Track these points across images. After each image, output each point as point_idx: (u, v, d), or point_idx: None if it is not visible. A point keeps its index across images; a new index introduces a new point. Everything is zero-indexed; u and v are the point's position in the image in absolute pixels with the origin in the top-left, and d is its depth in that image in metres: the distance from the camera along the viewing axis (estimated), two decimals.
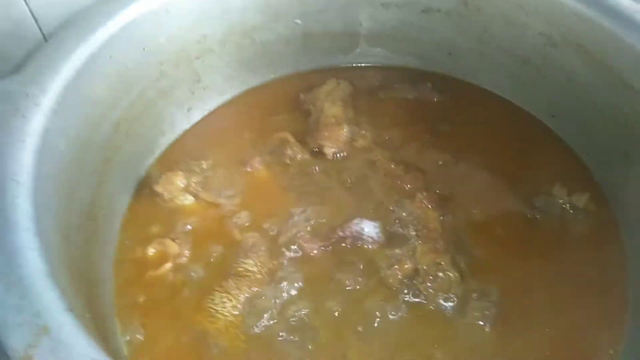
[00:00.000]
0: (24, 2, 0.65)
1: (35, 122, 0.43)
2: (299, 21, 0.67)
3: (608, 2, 0.55)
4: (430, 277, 0.52)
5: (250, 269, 0.54)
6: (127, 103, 0.56)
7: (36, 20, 0.68)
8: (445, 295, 0.52)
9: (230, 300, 0.52)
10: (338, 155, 0.64)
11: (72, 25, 0.50)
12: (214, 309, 0.52)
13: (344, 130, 0.65)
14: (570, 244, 0.57)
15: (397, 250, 0.55)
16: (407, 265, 0.53)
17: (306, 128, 0.67)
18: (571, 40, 0.59)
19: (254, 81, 0.71)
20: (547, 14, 0.59)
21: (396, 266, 0.54)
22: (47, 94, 0.45)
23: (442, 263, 0.53)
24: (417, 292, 0.52)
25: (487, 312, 0.51)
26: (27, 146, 0.41)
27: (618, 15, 0.55)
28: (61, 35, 0.49)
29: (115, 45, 0.52)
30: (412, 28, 0.68)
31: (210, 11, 0.61)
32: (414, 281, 0.53)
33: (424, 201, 0.58)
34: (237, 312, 0.51)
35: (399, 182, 0.61)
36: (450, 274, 0.53)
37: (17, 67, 0.48)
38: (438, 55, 0.70)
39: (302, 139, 0.66)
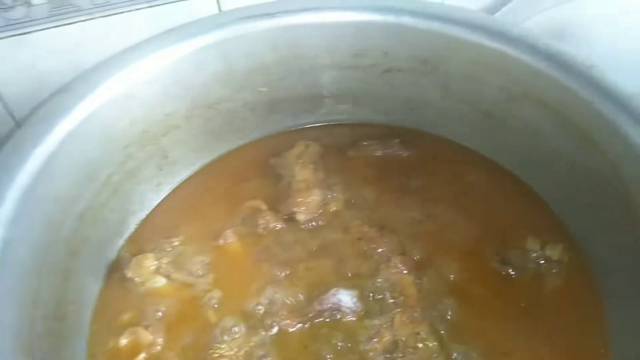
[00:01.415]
0: None
1: None
2: (264, 89, 0.67)
3: (563, 57, 0.56)
4: (410, 350, 0.52)
5: (225, 354, 0.53)
6: (91, 193, 0.56)
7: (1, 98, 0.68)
8: None
9: None
10: (311, 221, 0.64)
11: (27, 126, 0.50)
12: None
13: (316, 195, 0.65)
14: (546, 299, 0.57)
15: (376, 321, 0.54)
16: (386, 338, 0.53)
17: (278, 194, 0.67)
18: (531, 95, 0.59)
19: (222, 149, 0.71)
20: (505, 70, 0.60)
21: (375, 339, 0.53)
22: (4, 203, 0.44)
23: (421, 333, 0.53)
24: None
25: None
26: None
27: (573, 70, 0.56)
28: (16, 138, 0.49)
29: (75, 139, 0.52)
30: (375, 87, 0.69)
31: (172, 90, 0.61)
32: (394, 354, 0.52)
33: (399, 265, 0.58)
34: None
35: (373, 245, 0.61)
36: (430, 344, 0.52)
37: None
38: (403, 111, 0.71)
39: (274, 206, 0.65)
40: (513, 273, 0.58)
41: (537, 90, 0.59)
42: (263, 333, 0.55)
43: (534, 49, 0.57)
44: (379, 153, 0.70)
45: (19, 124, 0.71)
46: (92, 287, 0.58)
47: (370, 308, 0.56)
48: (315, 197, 0.65)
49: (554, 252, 0.59)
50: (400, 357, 0.52)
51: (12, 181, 0.45)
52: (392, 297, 0.56)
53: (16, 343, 0.40)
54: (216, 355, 0.53)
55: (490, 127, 0.65)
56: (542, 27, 0.65)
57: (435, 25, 0.61)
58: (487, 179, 0.66)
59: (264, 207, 0.65)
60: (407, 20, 0.62)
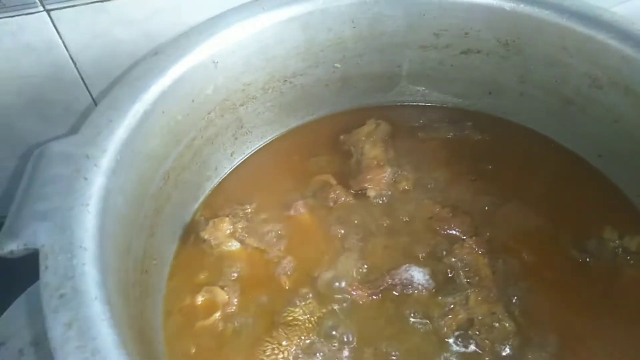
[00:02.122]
0: (64, 47, 0.68)
1: (97, 183, 0.44)
2: (338, 65, 0.68)
3: None
4: (486, 328, 0.52)
5: (299, 317, 0.54)
6: (177, 154, 0.57)
7: (75, 64, 0.70)
8: (502, 347, 0.51)
9: (282, 352, 0.52)
10: (382, 198, 0.64)
11: (125, 84, 0.51)
12: None
13: (386, 172, 0.65)
14: (623, 288, 0.56)
15: (450, 299, 0.54)
16: (461, 315, 0.53)
17: (347, 170, 0.67)
18: (618, 82, 0.58)
19: (293, 123, 0.72)
20: (591, 56, 0.59)
21: (450, 315, 0.53)
22: (106, 154, 0.46)
23: (497, 312, 0.52)
24: (472, 343, 0.52)
25: None
26: (90, 210, 0.42)
27: None
28: (115, 94, 0.50)
29: (167, 100, 0.53)
30: (452, 68, 0.68)
31: (254, 60, 0.62)
32: (469, 332, 0.52)
33: (474, 246, 0.58)
34: None
35: (446, 225, 0.61)
36: (506, 324, 0.52)
37: (73, 128, 0.49)
38: (478, 94, 0.70)
39: (343, 181, 0.66)
40: (590, 261, 0.57)
41: (624, 77, 0.57)
42: (334, 303, 0.55)
43: (624, 34, 0.56)
44: (450, 135, 0.70)
45: (89, 89, 0.74)
46: (170, 247, 0.59)
47: (443, 286, 0.56)
48: (386, 174, 0.65)
49: (632, 243, 0.57)
50: (477, 334, 0.51)
51: (114, 133, 0.47)
52: (466, 277, 0.56)
53: (118, 287, 0.42)
54: (290, 318, 0.54)
55: (569, 114, 0.64)
56: (634, 12, 0.63)
57: (522, 7, 0.60)
58: (563, 167, 0.65)
59: (333, 181, 0.65)
60: (492, 0, 0.61)
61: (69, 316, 0.35)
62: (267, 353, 0.52)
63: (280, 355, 0.52)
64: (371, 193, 0.64)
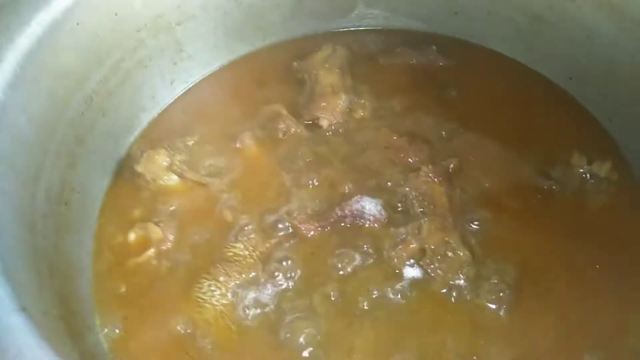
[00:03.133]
0: None
1: None
2: None
3: None
4: (439, 257, 0.48)
5: (240, 253, 0.50)
6: (100, 76, 0.51)
7: None
8: (456, 276, 0.47)
9: (219, 288, 0.48)
10: (335, 127, 0.59)
11: None
12: (202, 298, 0.47)
13: (342, 99, 0.60)
14: (590, 217, 0.52)
15: (402, 229, 0.50)
16: (413, 245, 0.49)
17: (300, 99, 0.62)
18: None
19: (241, 50, 0.65)
20: None
21: (401, 246, 0.49)
22: (2, 65, 0.40)
23: (451, 242, 0.49)
24: (424, 273, 0.48)
25: (501, 295, 0.47)
26: None
27: None
28: (17, 1, 0.44)
29: (82, 10, 0.47)
30: None
31: None
32: (421, 262, 0.48)
33: (430, 175, 0.53)
34: (226, 301, 0.47)
35: (402, 155, 0.56)
36: (461, 253, 0.48)
37: None
38: (443, 16, 0.64)
39: (295, 111, 0.60)
40: (555, 188, 0.53)
41: None
42: (281, 236, 0.51)
43: None
44: (413, 61, 0.64)
45: None
46: (100, 181, 0.54)
47: (396, 217, 0.52)
48: (340, 101, 0.60)
49: (602, 169, 0.53)
50: (428, 263, 0.48)
51: (12, 42, 0.41)
52: (421, 207, 0.52)
53: (16, 213, 0.37)
54: (230, 254, 0.50)
55: (540, 33, 0.59)
56: None
57: None
58: (531, 91, 0.61)
59: (284, 111, 0.60)
60: None
61: None
62: (204, 290, 0.48)
63: (217, 292, 0.48)
64: (324, 123, 0.59)
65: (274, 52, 0.66)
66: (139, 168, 0.54)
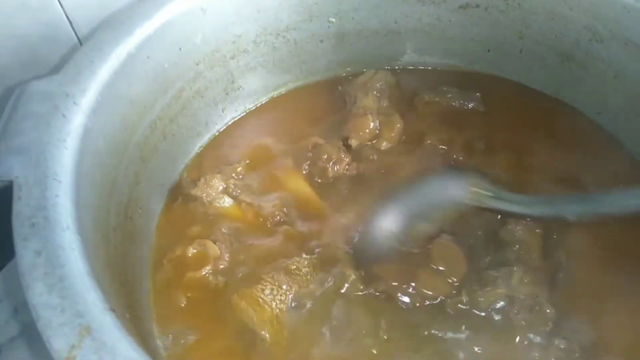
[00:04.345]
0: (59, 5, 0.66)
1: (75, 121, 0.43)
2: (333, 19, 0.66)
3: None
4: (525, 309, 0.48)
5: (302, 269, 0.52)
6: (163, 103, 0.56)
7: (71, 23, 0.69)
8: (537, 331, 0.47)
9: (281, 294, 0.50)
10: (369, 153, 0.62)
11: (109, 27, 0.50)
12: (262, 299, 0.49)
13: (371, 120, 0.62)
14: None
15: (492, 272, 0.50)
16: (501, 290, 0.49)
17: (335, 118, 0.65)
18: (619, 34, 0.56)
19: (288, 82, 0.70)
20: (591, 7, 0.57)
21: (488, 288, 0.49)
22: (86, 93, 0.45)
23: (539, 297, 0.49)
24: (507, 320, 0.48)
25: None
26: (67, 145, 0.41)
27: None
28: (99, 36, 0.49)
29: (152, 45, 0.52)
30: (449, 25, 0.66)
31: (244, 11, 0.60)
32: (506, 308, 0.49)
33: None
34: (284, 306, 0.50)
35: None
36: (547, 310, 0.48)
37: (55, 69, 0.48)
38: (477, 53, 0.68)
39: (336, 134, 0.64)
40: None
41: (624, 29, 0.55)
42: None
43: None
44: (455, 104, 0.67)
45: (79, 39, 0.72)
46: (158, 199, 0.59)
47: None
48: (370, 123, 0.62)
49: None
50: (515, 313, 0.48)
51: (95, 74, 0.46)
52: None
53: (97, 224, 0.41)
54: (293, 267, 0.52)
55: (569, 70, 0.62)
56: None
57: None
58: (565, 125, 0.63)
59: (321, 141, 0.63)
60: None
61: (39, 244, 0.34)
62: (266, 292, 0.49)
63: (278, 297, 0.50)
64: (353, 142, 0.62)
65: (320, 86, 0.71)
66: (197, 192, 0.57)
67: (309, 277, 0.51)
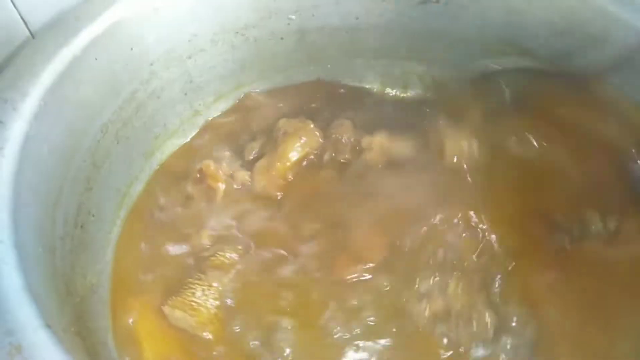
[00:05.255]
0: (12, 5, 0.64)
1: (15, 128, 0.41)
2: (292, 17, 0.65)
3: None
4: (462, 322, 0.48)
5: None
6: (115, 106, 0.54)
7: (26, 23, 0.66)
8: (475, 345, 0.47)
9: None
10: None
11: (54, 28, 0.49)
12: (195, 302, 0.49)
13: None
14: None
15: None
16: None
17: None
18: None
19: (249, 81, 0.69)
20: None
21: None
22: (26, 98, 0.43)
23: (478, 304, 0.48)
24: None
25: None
26: (5, 154, 0.39)
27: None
28: (42, 38, 0.48)
29: (101, 46, 0.50)
30: (411, 21, 0.66)
31: (200, 9, 0.59)
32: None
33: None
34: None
35: None
36: (487, 319, 0.47)
37: None
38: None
39: None
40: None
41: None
42: None
43: None
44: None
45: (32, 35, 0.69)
46: (114, 206, 0.57)
47: None
48: None
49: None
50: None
51: (37, 78, 0.44)
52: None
53: (38, 236, 0.40)
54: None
55: None
56: None
57: None
58: None
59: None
60: None
61: None
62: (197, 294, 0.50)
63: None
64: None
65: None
66: (161, 200, 0.57)
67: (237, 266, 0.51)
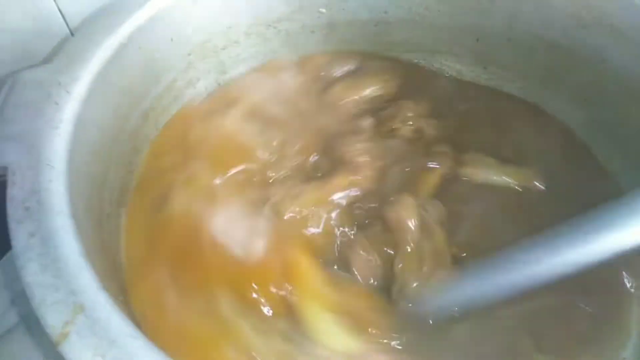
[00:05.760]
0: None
1: (68, 109, 0.44)
2: (323, 10, 0.67)
3: None
4: None
5: None
6: (155, 94, 0.57)
7: (63, 16, 0.69)
8: None
9: None
10: None
11: (101, 18, 0.51)
12: None
13: None
14: None
15: None
16: None
17: None
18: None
19: None
20: None
21: None
22: (78, 82, 0.46)
23: None
24: None
25: None
26: (60, 133, 0.42)
27: None
28: (91, 27, 0.50)
29: (144, 36, 0.53)
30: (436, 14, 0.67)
31: (235, 2, 0.61)
32: None
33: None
34: None
35: None
36: None
37: (47, 60, 0.49)
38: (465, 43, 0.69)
39: None
40: None
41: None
42: None
43: None
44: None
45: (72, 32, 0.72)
46: None
47: None
48: None
49: None
50: None
51: (87, 63, 0.47)
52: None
53: (89, 211, 0.42)
54: None
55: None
56: None
57: None
58: None
59: None
60: None
61: (33, 226, 0.35)
62: None
63: None
64: None
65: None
66: None
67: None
